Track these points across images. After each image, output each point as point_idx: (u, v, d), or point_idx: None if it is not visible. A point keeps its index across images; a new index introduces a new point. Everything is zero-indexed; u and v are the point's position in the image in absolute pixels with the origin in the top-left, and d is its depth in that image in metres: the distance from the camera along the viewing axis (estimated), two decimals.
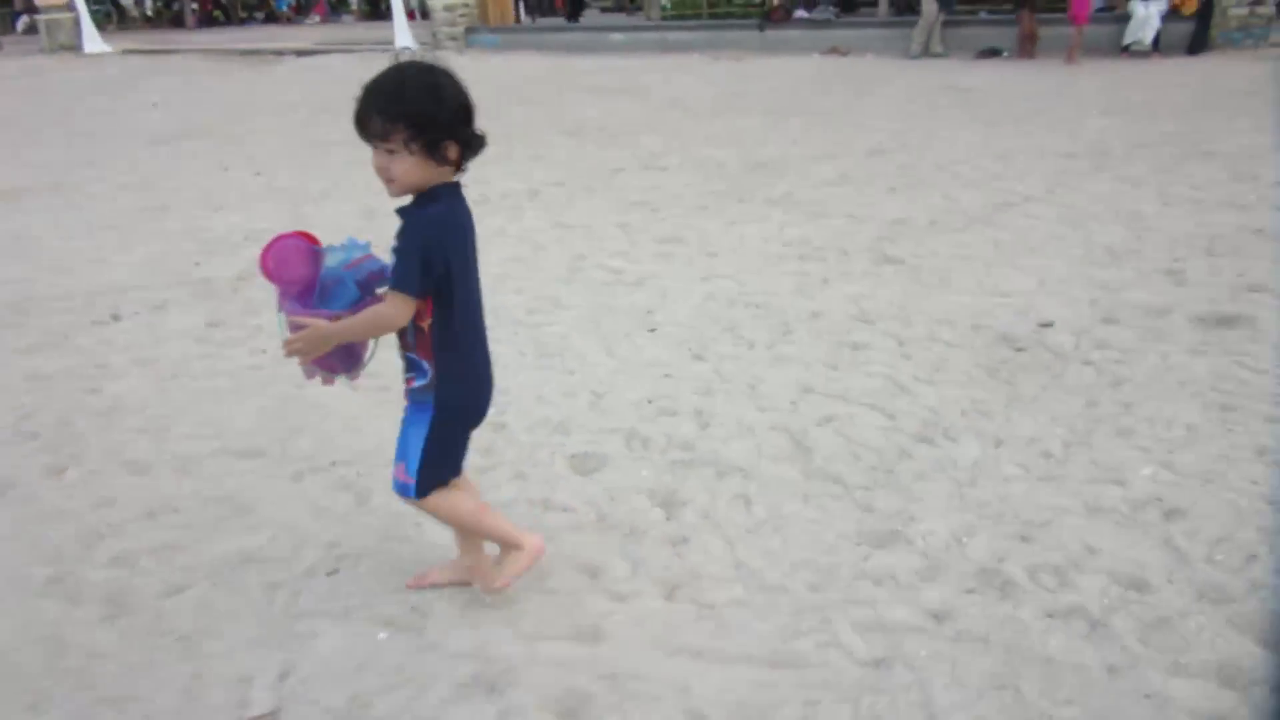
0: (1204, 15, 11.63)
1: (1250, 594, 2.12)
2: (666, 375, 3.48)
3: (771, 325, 3.92)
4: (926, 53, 12.54)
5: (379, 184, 1.88)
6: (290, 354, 1.93)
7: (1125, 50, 11.73)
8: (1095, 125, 7.69)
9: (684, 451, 2.91)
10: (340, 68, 15.54)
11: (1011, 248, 4.79)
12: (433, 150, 1.83)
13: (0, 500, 2.82)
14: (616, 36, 15.33)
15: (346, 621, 2.19)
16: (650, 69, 13.32)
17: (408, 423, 2.06)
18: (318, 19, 32.88)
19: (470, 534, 2.21)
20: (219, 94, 13.43)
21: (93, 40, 21.38)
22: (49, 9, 22.76)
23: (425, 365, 1.99)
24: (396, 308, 1.89)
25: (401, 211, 1.91)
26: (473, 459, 2.88)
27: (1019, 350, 3.55)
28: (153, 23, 35.94)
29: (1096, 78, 10.34)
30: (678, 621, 2.14)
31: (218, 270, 5.07)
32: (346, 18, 34.03)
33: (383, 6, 35.17)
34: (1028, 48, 12.46)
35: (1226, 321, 3.72)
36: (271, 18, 37.13)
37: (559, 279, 4.65)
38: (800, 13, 15.02)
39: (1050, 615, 2.10)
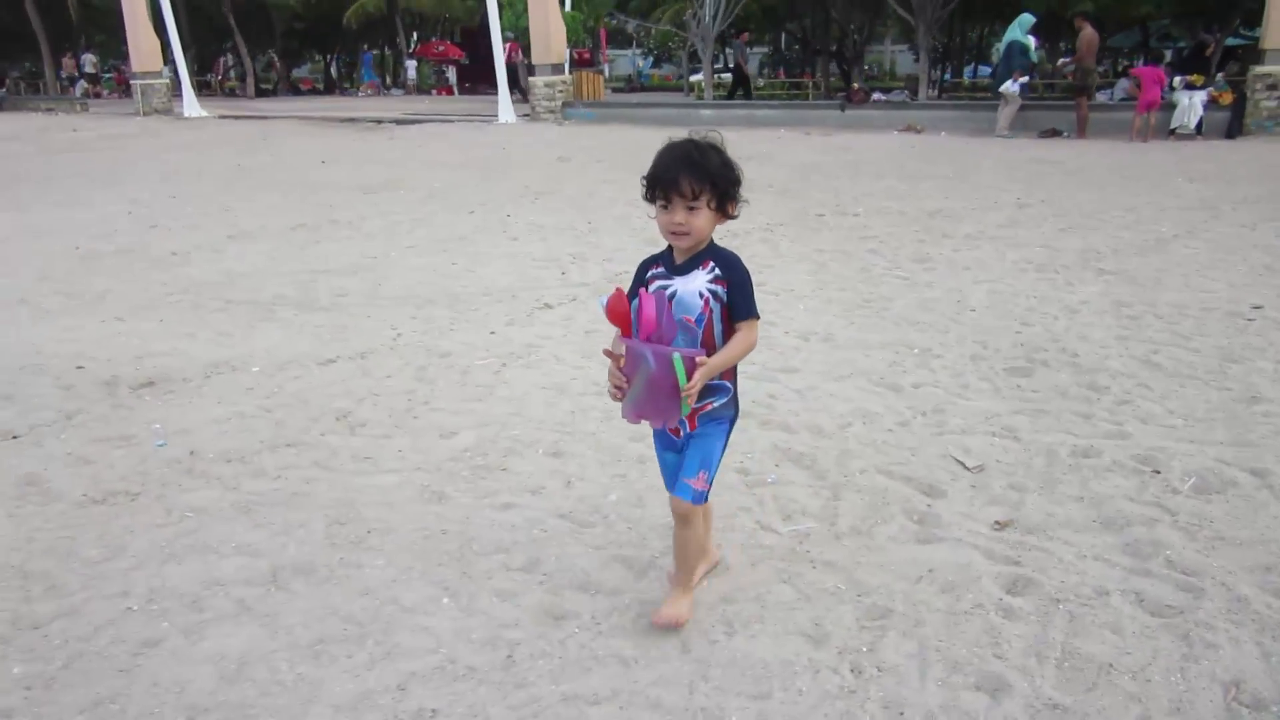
0: (1239, 105, 13.78)
1: None
2: (1017, 332, 5.07)
3: (1058, 308, 5.52)
4: (1011, 133, 14.43)
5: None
6: (694, 392, 2.17)
7: (1172, 133, 13.79)
8: (1189, 188, 9.53)
9: (1070, 358, 4.49)
10: (463, 134, 17.34)
11: (1189, 265, 6.47)
12: (723, 208, 2.26)
13: None
14: (706, 112, 17.30)
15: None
16: (753, 141, 15.17)
17: (709, 436, 2.36)
18: (370, 92, 35.12)
19: (702, 542, 2.58)
20: (368, 154, 15.09)
21: (192, 105, 23.11)
22: (144, 75, 24.53)
23: (727, 384, 2.35)
24: (755, 333, 2.30)
25: (715, 254, 2.29)
26: (952, 360, 4.43)
27: (1249, 320, 5.18)
28: (206, 91, 37.97)
29: (1161, 154, 12.32)
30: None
31: (582, 278, 6.60)
32: (396, 91, 36.19)
33: (429, 83, 37.48)
34: (1082, 129, 14.50)
35: None
36: (296, 90, 39.42)
37: (867, 283, 6.24)
38: (877, 95, 17.12)
39: None
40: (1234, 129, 13.64)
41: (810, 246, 7.37)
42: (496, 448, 3.71)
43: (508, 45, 27.37)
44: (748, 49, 20.85)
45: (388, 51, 43.10)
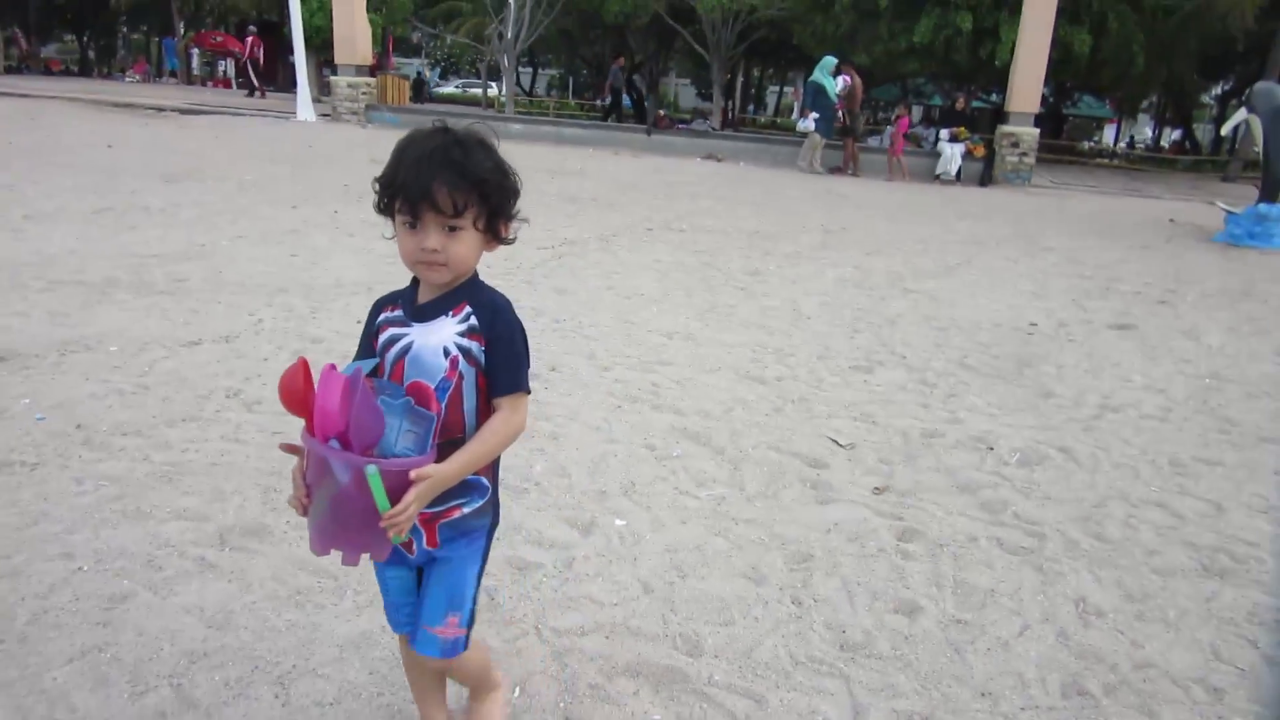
0: (989, 159, 15.85)
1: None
2: (850, 337, 5.72)
3: (880, 319, 6.25)
4: (813, 169, 15.80)
5: None
6: (403, 521, 1.51)
7: (937, 178, 15.62)
8: (961, 225, 10.90)
9: (900, 359, 5.17)
10: (261, 129, 16.54)
11: (975, 288, 7.50)
12: (494, 229, 1.62)
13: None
14: (515, 126, 17.53)
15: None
16: (568, 157, 15.60)
17: (457, 564, 1.72)
18: (137, 77, 32.41)
19: (482, 681, 1.97)
20: (159, 142, 14.09)
21: None
22: None
23: (484, 481, 1.70)
24: (523, 415, 1.64)
25: (474, 295, 1.65)
26: (804, 359, 5.00)
27: (1029, 334, 6.13)
28: None
29: (930, 195, 13.93)
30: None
31: None
32: (168, 80, 33.63)
33: (200, 75, 35.17)
34: (855, 167, 16.10)
35: (1123, 326, 6.53)
36: (47, 70, 35.85)
37: (710, 291, 6.75)
38: (680, 124, 18.07)
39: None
40: (985, 178, 15.69)
41: (649, 257, 7.82)
42: None
43: (249, 40, 26.62)
44: (622, 73, 21.60)
45: (152, 37, 39.98)
